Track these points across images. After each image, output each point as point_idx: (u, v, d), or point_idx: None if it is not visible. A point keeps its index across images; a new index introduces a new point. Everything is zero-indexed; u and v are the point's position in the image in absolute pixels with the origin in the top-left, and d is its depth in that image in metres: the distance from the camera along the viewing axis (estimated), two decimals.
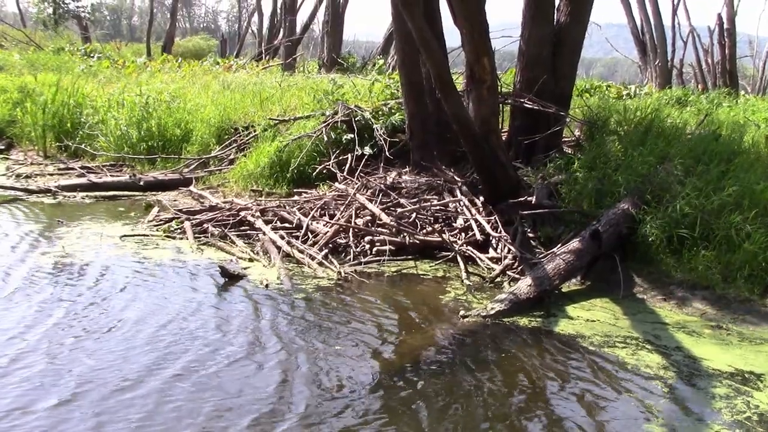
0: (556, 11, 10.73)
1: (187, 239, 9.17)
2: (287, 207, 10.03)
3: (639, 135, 10.08)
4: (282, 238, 8.96)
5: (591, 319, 7.02)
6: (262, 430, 4.61)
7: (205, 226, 9.60)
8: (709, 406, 5.30)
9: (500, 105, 10.74)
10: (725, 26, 26.88)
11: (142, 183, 12.28)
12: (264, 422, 4.72)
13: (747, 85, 37.51)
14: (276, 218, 9.75)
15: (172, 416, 4.73)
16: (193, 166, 13.11)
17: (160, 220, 9.96)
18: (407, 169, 11.31)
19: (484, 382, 5.58)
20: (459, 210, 9.59)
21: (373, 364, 5.77)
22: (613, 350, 6.23)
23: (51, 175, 13.30)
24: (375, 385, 5.38)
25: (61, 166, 14.04)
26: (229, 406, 4.92)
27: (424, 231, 9.20)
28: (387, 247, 8.72)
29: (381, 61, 21.58)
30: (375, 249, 8.80)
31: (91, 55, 27.52)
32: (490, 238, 8.93)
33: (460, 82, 10.94)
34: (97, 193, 11.92)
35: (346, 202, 9.76)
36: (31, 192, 11.77)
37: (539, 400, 5.34)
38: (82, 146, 14.59)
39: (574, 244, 7.98)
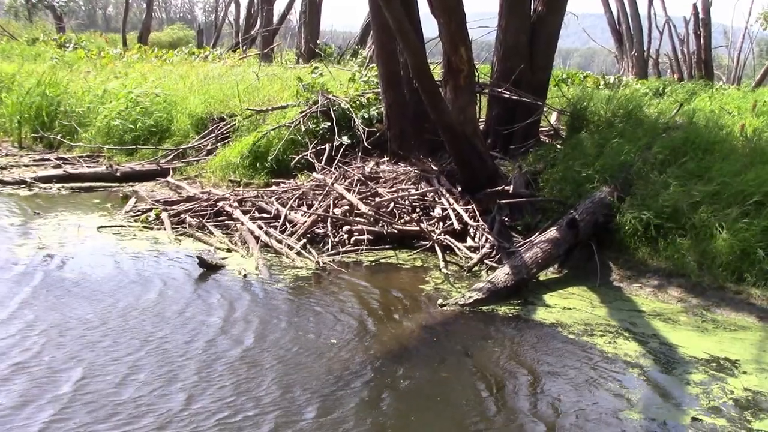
0: (533, 1, 10.76)
1: (165, 230, 9.12)
2: (265, 197, 10.01)
3: (618, 125, 10.12)
4: (260, 228, 8.94)
5: (568, 307, 7.07)
6: (234, 422, 4.61)
7: (183, 216, 9.56)
8: (686, 393, 5.36)
9: (478, 95, 10.76)
10: (700, 16, 27.04)
11: (118, 174, 12.18)
12: (235, 413, 4.72)
13: (722, 75, 37.77)
14: (254, 208, 9.72)
15: (137, 407, 4.72)
16: (170, 157, 13.02)
17: (138, 211, 9.90)
18: (385, 158, 11.32)
19: (463, 371, 5.61)
20: (437, 199, 9.61)
21: (352, 354, 5.76)
22: (591, 338, 6.28)
23: (26, 166, 13.15)
24: (352, 376, 5.38)
25: (37, 157, 13.89)
26: (201, 397, 4.91)
27: (402, 220, 9.22)
28: (365, 237, 8.73)
29: (364, 52, 21.50)
30: (353, 239, 8.80)
31: (66, 45, 27.23)
32: (468, 227, 8.95)
33: (437, 72, 10.93)
34: (74, 185, 11.79)
35: (324, 191, 9.75)
36: (5, 183, 11.64)
37: (518, 388, 5.37)
38: (59, 137, 14.45)
39: (552, 232, 8.02)
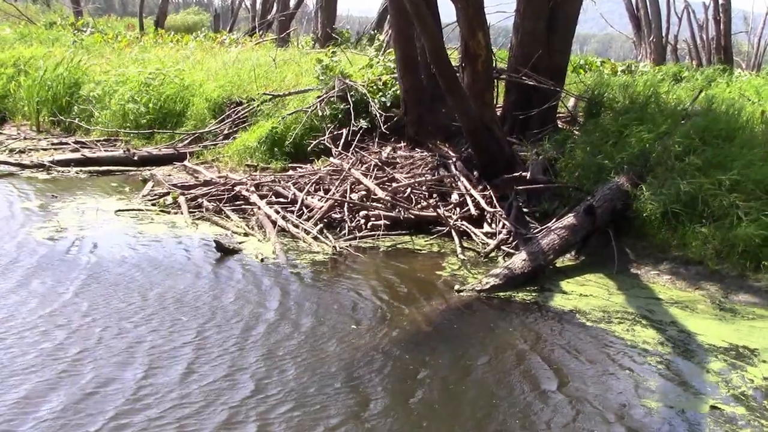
0: None
1: (182, 214, 9.16)
2: (282, 182, 10.02)
3: (637, 111, 10.05)
4: (277, 212, 8.96)
5: (585, 294, 7.05)
6: (256, 406, 4.64)
7: (200, 200, 9.59)
8: (705, 381, 5.34)
9: (495, 80, 10.71)
10: (720, 1, 26.73)
11: (136, 158, 12.21)
12: (256, 396, 4.75)
13: (741, 62, 37.40)
14: (271, 193, 9.74)
15: (165, 389, 4.76)
16: (187, 141, 13.03)
17: (155, 195, 9.94)
18: (402, 144, 11.30)
19: (480, 357, 5.61)
20: (454, 185, 9.59)
21: (372, 340, 5.77)
22: (609, 325, 6.26)
23: (44, 150, 13.23)
24: (374, 363, 5.38)
25: (55, 140, 13.95)
26: (222, 380, 4.94)
27: (419, 206, 9.21)
28: (382, 222, 8.73)
29: (381, 37, 21.40)
30: (370, 224, 8.80)
31: (83, 29, 27.27)
32: (485, 213, 8.93)
33: (455, 57, 10.89)
34: (91, 168, 11.85)
35: (341, 177, 9.75)
36: (24, 167, 11.73)
37: (535, 374, 5.37)
38: (76, 121, 14.49)
39: (569, 219, 7.99)
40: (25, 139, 14.32)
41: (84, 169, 11.81)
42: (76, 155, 12.37)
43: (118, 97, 14.14)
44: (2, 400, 4.50)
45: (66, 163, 11.98)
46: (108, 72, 15.65)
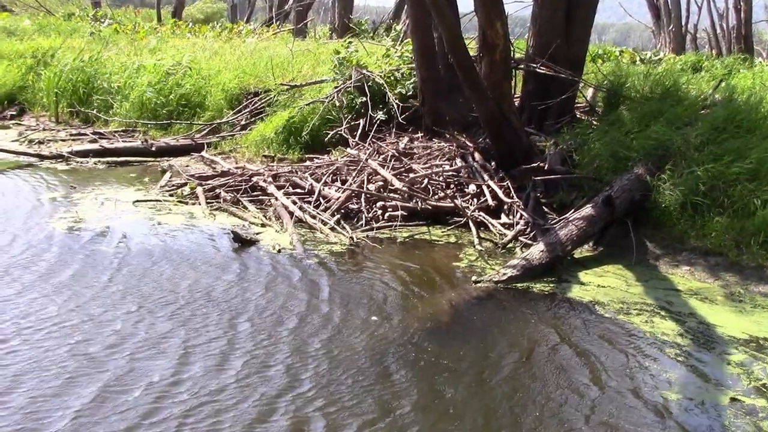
0: None
1: (200, 204, 9.19)
2: (299, 172, 10.03)
3: (656, 101, 9.97)
4: (294, 203, 8.97)
5: (604, 285, 7.02)
6: (281, 395, 4.67)
7: (217, 191, 9.62)
8: (726, 373, 5.31)
9: (513, 70, 10.65)
10: None
11: (154, 148, 12.25)
12: (281, 386, 4.78)
13: (763, 51, 37.05)
14: (288, 184, 9.75)
15: (191, 377, 4.78)
16: (204, 132, 13.06)
17: (173, 186, 9.98)
18: (419, 134, 11.27)
19: (499, 348, 5.60)
20: (471, 176, 9.55)
21: (393, 332, 5.77)
22: (628, 317, 6.23)
23: (63, 140, 13.31)
24: (396, 354, 5.39)
25: (73, 131, 14.03)
26: (255, 375, 4.96)
27: (436, 196, 9.19)
28: (399, 213, 8.71)
29: (398, 27, 21.36)
30: (387, 214, 8.80)
31: (102, 20, 27.36)
32: (503, 203, 8.88)
33: (472, 47, 10.83)
34: (110, 159, 11.92)
35: (358, 167, 9.74)
36: (43, 158, 11.82)
37: (555, 366, 5.35)
38: (94, 112, 14.55)
39: (587, 210, 7.95)
40: (44, 130, 14.42)
41: (102, 159, 11.87)
42: (95, 146, 12.44)
43: (137, 88, 14.17)
44: (32, 395, 4.52)
45: (84, 153, 12.05)
46: (125, 63, 15.68)
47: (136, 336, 5.43)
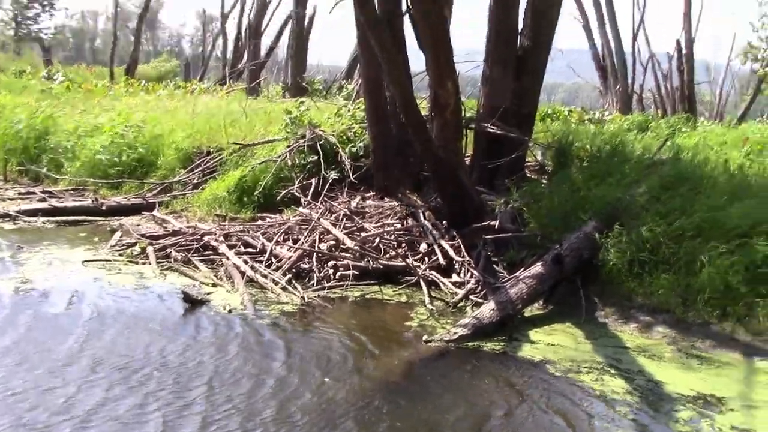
0: (519, 36, 10.81)
1: (150, 264, 9.09)
2: (251, 231, 9.99)
3: (604, 160, 10.17)
4: (245, 262, 8.92)
5: (554, 343, 7.06)
6: None
7: (168, 250, 9.52)
8: (674, 431, 5.34)
9: (464, 129, 10.80)
10: (684, 52, 27.28)
11: (104, 208, 12.10)
12: None
13: (705, 111, 38.05)
14: (240, 243, 9.70)
15: None
16: (156, 191, 12.98)
17: (123, 245, 9.86)
18: (371, 193, 11.32)
19: (449, 409, 5.58)
20: (422, 234, 9.61)
21: (346, 393, 5.73)
22: (578, 375, 6.26)
23: (11, 199, 13.08)
24: (344, 414, 5.35)
25: (22, 190, 13.82)
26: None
27: (388, 255, 9.21)
28: (351, 272, 8.71)
29: (350, 86, 21.62)
30: (339, 274, 8.78)
31: (53, 77, 27.25)
32: (454, 262, 8.93)
33: (424, 106, 10.98)
34: (59, 218, 11.72)
35: (310, 226, 9.73)
36: None
37: (509, 426, 5.34)
38: (44, 170, 14.40)
39: (537, 268, 8.02)
40: None
41: (51, 219, 11.67)
42: (44, 205, 12.23)
43: (88, 148, 14.07)
44: None
45: (33, 212, 11.84)
46: (78, 122, 15.59)
47: (88, 402, 5.30)
